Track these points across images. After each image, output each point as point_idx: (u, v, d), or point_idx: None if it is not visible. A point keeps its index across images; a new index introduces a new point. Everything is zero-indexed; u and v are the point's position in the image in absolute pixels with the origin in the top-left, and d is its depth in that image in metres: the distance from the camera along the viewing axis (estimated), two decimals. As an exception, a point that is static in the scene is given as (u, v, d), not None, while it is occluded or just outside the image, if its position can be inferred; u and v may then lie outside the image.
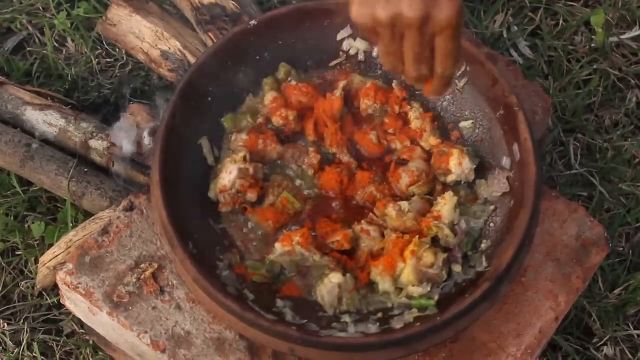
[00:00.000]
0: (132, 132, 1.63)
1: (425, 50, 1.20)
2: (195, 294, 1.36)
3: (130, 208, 1.49)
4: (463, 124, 1.52)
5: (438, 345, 1.37)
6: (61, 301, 1.50)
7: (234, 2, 1.78)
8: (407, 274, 1.37)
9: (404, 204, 1.44)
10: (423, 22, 1.16)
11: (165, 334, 1.39)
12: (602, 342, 1.69)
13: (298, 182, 1.49)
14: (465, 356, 1.41)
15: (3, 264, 1.73)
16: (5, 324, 1.67)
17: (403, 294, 1.37)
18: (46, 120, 1.73)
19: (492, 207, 1.45)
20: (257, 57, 1.55)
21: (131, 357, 1.52)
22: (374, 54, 1.58)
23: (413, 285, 1.36)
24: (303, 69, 1.57)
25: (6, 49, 1.95)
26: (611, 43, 2.00)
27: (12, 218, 1.75)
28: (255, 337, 1.32)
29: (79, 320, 1.60)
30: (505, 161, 1.46)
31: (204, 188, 1.47)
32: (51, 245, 1.64)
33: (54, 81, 1.89)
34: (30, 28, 1.98)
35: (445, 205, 1.43)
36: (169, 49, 1.76)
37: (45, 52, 1.93)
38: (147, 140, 1.62)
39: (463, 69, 1.51)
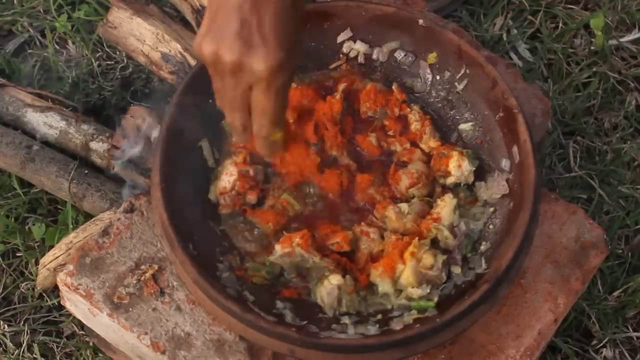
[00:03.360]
0: (133, 134, 1.64)
1: (241, 99, 1.13)
2: (195, 296, 1.37)
3: (131, 209, 1.49)
4: (462, 126, 1.53)
5: (437, 346, 1.37)
6: (61, 302, 1.50)
7: (234, 5, 1.79)
8: (407, 275, 1.37)
9: (404, 206, 1.44)
10: (236, 67, 1.09)
11: (165, 335, 1.40)
12: (601, 344, 1.69)
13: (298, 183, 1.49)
14: (464, 358, 1.42)
15: (3, 265, 1.73)
16: (6, 325, 1.67)
17: (402, 295, 1.37)
18: (47, 122, 1.73)
19: (492, 209, 1.45)
20: (257, 60, 1.55)
21: (131, 359, 1.53)
22: (374, 56, 1.58)
23: (412, 287, 1.37)
24: (303, 71, 1.57)
25: (7, 51, 1.95)
26: (610, 46, 2.01)
27: (13, 219, 1.76)
28: (255, 339, 1.33)
29: (79, 321, 1.60)
30: (505, 163, 1.46)
31: (204, 190, 1.47)
32: (51, 247, 1.64)
33: (55, 83, 1.90)
34: (31, 30, 1.98)
35: (445, 207, 1.43)
36: (170, 51, 1.76)
37: (46, 54, 1.94)
38: (147, 142, 1.62)
39: (462, 71, 1.52)
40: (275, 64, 1.09)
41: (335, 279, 1.37)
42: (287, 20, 1.10)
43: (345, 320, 1.35)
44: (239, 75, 1.11)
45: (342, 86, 1.54)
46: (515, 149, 1.44)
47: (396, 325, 1.33)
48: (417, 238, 1.39)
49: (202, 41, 1.12)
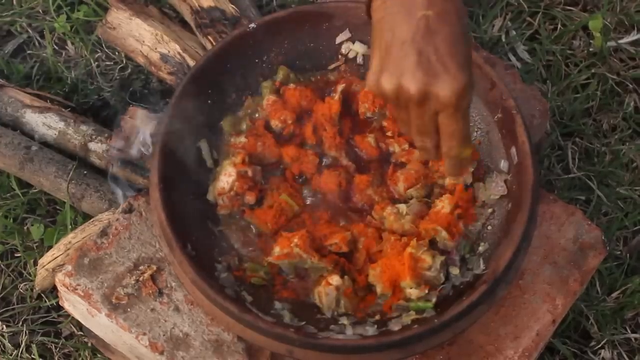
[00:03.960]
0: (131, 135, 1.64)
1: (429, 124, 1.16)
2: (194, 296, 1.37)
3: (129, 210, 1.49)
4: (461, 127, 1.53)
5: (435, 347, 1.37)
6: (60, 303, 1.50)
7: (233, 6, 1.79)
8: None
9: (402, 207, 1.44)
10: (422, 97, 1.12)
11: (164, 335, 1.40)
12: (599, 346, 1.69)
13: (296, 184, 1.49)
14: (462, 358, 1.42)
15: (2, 265, 1.73)
16: (4, 326, 1.67)
17: (401, 296, 1.38)
18: (45, 123, 1.73)
19: (490, 210, 1.45)
20: (256, 60, 1.56)
21: (129, 359, 1.53)
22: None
23: (411, 288, 1.37)
24: (302, 71, 1.58)
25: (6, 52, 1.95)
26: (609, 47, 2.01)
27: (11, 220, 1.76)
28: (253, 339, 1.33)
29: (78, 322, 1.60)
30: (503, 164, 1.46)
31: (203, 190, 1.47)
32: (50, 247, 1.64)
33: (54, 84, 1.90)
34: (30, 31, 1.98)
35: (443, 208, 1.43)
36: (169, 52, 1.76)
37: (44, 54, 1.94)
38: (146, 143, 1.62)
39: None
40: (460, 88, 1.11)
41: (333, 280, 1.37)
42: (461, 43, 1.13)
43: (344, 320, 1.35)
44: (425, 104, 1.13)
45: (340, 87, 1.54)
46: (513, 150, 1.44)
47: (394, 326, 1.33)
48: (415, 239, 1.39)
49: (381, 77, 1.15)
